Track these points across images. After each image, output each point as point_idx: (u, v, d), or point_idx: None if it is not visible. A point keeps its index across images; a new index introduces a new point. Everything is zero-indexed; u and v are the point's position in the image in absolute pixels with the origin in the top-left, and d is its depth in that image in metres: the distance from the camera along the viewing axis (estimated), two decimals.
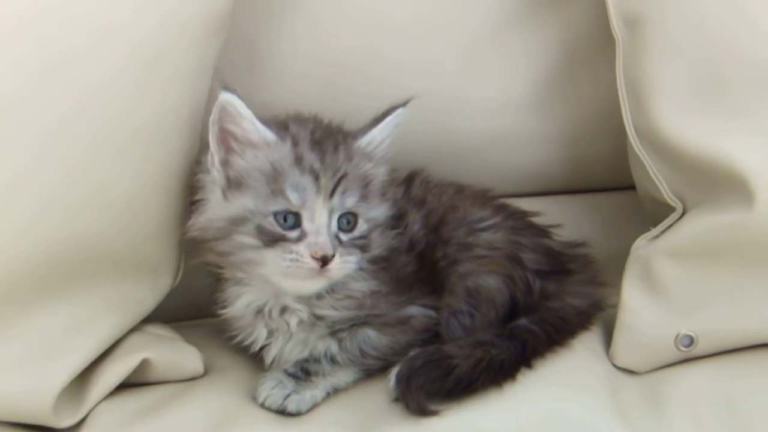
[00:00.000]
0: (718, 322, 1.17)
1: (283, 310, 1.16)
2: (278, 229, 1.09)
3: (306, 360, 1.17)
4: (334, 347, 1.17)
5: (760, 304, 1.17)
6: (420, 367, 1.09)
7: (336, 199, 1.11)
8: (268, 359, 1.19)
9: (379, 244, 1.17)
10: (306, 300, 1.15)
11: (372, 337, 1.18)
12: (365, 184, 1.15)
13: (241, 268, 1.14)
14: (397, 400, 1.10)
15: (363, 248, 1.14)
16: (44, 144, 1.04)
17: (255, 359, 1.20)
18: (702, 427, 1.10)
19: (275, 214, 1.09)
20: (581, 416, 1.09)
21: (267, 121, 1.13)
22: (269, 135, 1.12)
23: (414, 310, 1.20)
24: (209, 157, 1.13)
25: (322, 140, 1.13)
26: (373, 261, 1.17)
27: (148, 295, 1.19)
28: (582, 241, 1.31)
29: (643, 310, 1.18)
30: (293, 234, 1.09)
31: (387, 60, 1.33)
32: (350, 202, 1.13)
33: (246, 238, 1.10)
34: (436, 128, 1.35)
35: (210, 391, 1.15)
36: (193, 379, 1.19)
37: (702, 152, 1.13)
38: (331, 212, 1.11)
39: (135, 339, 1.18)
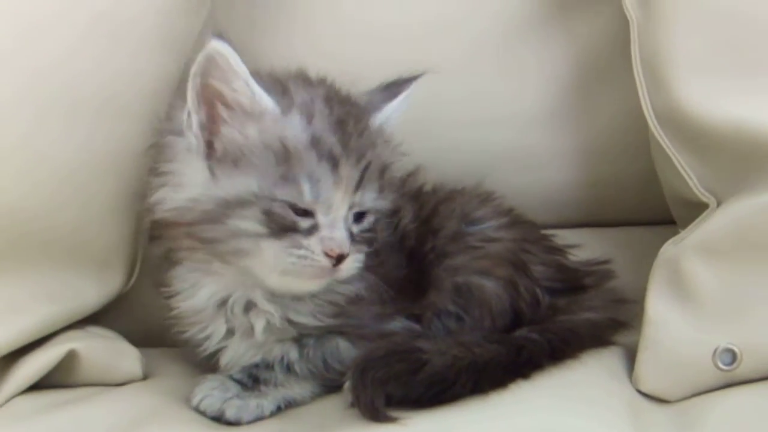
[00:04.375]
0: (766, 331, 0.95)
1: (248, 306, 0.98)
2: (290, 215, 0.90)
3: (256, 365, 0.98)
4: (293, 354, 0.98)
5: None
6: (381, 357, 0.89)
7: (359, 194, 0.93)
8: (223, 361, 1.00)
9: (378, 238, 0.99)
10: (280, 301, 0.97)
11: (342, 349, 0.99)
12: (382, 174, 0.97)
13: (224, 258, 0.95)
14: (353, 405, 0.89)
15: (369, 242, 0.96)
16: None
17: (203, 370, 1.02)
18: None
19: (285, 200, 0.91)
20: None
21: (262, 80, 0.94)
22: (267, 102, 0.91)
23: (398, 324, 1.01)
24: (185, 117, 0.93)
25: (343, 117, 0.94)
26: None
27: (92, 291, 1.06)
28: (604, 258, 1.12)
29: (673, 322, 0.97)
30: (305, 224, 0.91)
31: (387, 67, 1.19)
32: (369, 197, 0.95)
33: (248, 223, 0.90)
34: (439, 143, 1.21)
35: (141, 391, 1.00)
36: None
37: (731, 125, 0.98)
38: (350, 206, 0.94)
39: (66, 332, 1.03)
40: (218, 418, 0.93)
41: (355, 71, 1.02)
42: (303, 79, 0.99)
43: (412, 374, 0.88)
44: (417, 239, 1.04)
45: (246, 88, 0.90)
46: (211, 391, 0.95)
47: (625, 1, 1.08)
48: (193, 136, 0.92)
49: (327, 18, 1.24)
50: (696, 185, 1.01)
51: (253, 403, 0.94)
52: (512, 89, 1.23)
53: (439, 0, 1.23)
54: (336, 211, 0.92)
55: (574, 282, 1.07)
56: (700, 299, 0.97)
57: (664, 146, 1.03)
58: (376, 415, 0.86)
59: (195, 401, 0.95)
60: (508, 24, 1.23)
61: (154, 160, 0.97)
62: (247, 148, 0.91)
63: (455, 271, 1.02)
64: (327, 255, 0.90)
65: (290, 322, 0.98)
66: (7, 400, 0.96)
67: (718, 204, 1.00)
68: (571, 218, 1.28)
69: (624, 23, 1.08)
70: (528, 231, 1.10)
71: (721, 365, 0.95)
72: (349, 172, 0.91)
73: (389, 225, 1.02)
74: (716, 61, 1.00)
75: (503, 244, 1.04)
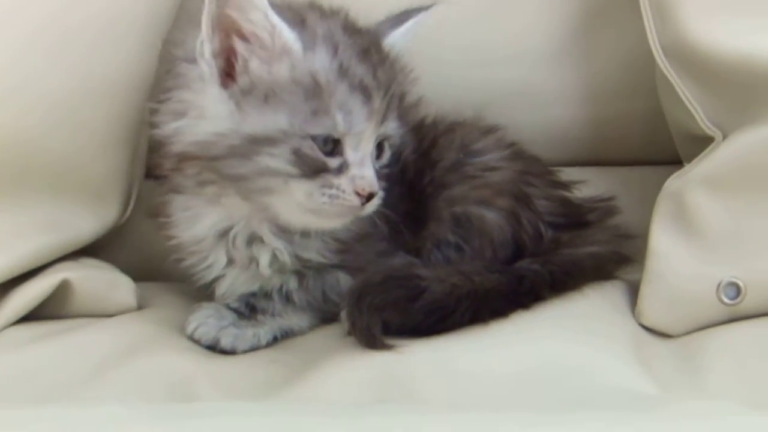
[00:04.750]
0: None
1: (251, 239, 0.95)
2: (320, 156, 0.88)
3: (253, 294, 0.96)
4: (292, 284, 0.96)
5: None
6: (378, 283, 0.87)
7: (385, 124, 0.91)
8: (220, 291, 0.98)
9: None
10: (287, 237, 0.95)
11: (342, 282, 0.97)
12: (401, 104, 0.95)
13: (246, 195, 0.91)
14: (350, 333, 0.88)
15: (387, 178, 0.94)
16: None
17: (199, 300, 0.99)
18: (749, 388, 0.85)
19: (314, 138, 0.88)
20: (592, 361, 0.85)
21: (281, 12, 0.89)
22: (289, 36, 0.88)
23: (400, 261, 0.99)
24: (198, 44, 0.88)
25: (366, 46, 0.91)
26: None
27: (88, 221, 1.04)
28: (608, 195, 1.09)
29: (676, 255, 0.96)
30: (334, 163, 0.88)
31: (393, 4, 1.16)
32: (392, 127, 0.93)
33: (277, 162, 0.87)
34: (446, 80, 1.17)
35: (136, 320, 0.98)
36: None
37: (738, 57, 0.95)
38: (375, 140, 0.91)
39: (60, 263, 1.01)
40: (213, 347, 0.91)
41: (362, 7, 0.98)
42: (318, 9, 0.95)
43: (410, 301, 0.87)
44: (416, 172, 1.02)
45: (265, 21, 0.87)
46: (207, 320, 0.93)
47: None
48: (205, 64, 0.88)
49: None
50: (702, 119, 0.99)
51: (249, 332, 0.93)
52: (521, 27, 1.20)
53: None
54: (365, 146, 0.90)
55: (577, 217, 1.04)
56: (704, 232, 0.95)
57: (671, 80, 1.00)
58: (372, 342, 0.85)
59: (189, 329, 0.93)
60: None
61: (164, 86, 0.93)
62: (276, 85, 0.87)
63: (453, 202, 0.99)
64: (358, 194, 0.88)
65: (296, 257, 0.96)
66: (0, 330, 0.95)
67: (724, 138, 0.97)
68: (576, 157, 1.25)
69: None
70: (531, 164, 1.06)
71: (725, 299, 0.94)
72: (379, 104, 0.89)
73: (393, 157, 0.98)
74: None
75: (503, 174, 1.01)
